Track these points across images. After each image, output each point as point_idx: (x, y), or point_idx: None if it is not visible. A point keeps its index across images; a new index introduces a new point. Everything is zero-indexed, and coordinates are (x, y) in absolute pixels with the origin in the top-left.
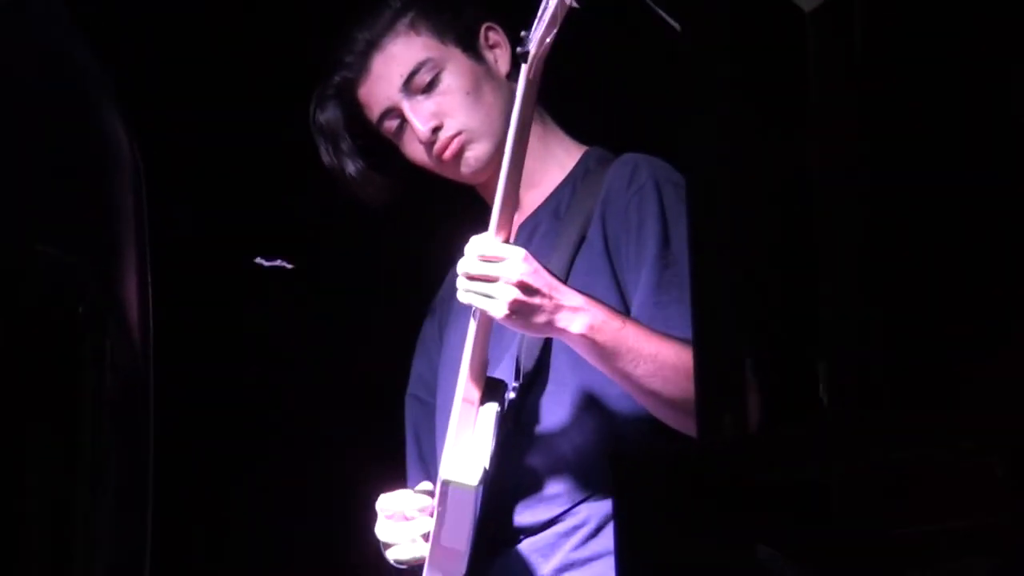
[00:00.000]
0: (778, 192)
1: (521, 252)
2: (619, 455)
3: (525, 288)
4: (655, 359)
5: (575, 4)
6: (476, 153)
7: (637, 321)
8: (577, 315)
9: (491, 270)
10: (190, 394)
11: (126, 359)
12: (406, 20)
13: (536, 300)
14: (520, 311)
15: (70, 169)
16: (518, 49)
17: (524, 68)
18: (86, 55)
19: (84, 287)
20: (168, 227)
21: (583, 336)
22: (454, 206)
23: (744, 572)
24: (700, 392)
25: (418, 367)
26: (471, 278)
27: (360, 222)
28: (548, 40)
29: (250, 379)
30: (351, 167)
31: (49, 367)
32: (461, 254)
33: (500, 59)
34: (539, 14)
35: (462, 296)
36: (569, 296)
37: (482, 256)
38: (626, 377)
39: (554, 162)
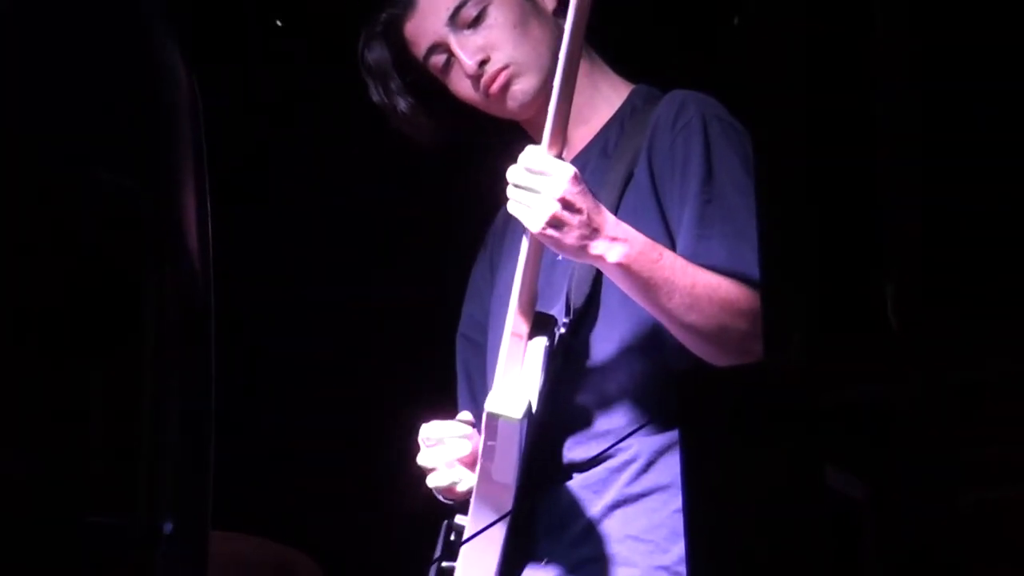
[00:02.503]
0: (843, 114)
1: (570, 170)
2: (684, 374)
3: (567, 205)
4: (691, 292)
5: None
6: (523, 86)
7: (675, 255)
8: (615, 245)
9: (536, 182)
10: (248, 323)
11: (186, 285)
12: None
13: (575, 219)
14: (556, 227)
15: (129, 96)
16: None
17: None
18: None
19: (142, 212)
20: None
21: (618, 265)
22: (505, 144)
23: (812, 494)
24: (767, 311)
25: (469, 307)
26: (517, 187)
27: (409, 160)
28: None
29: (305, 314)
30: (402, 104)
31: (109, 292)
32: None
33: None
34: None
35: (509, 206)
36: (610, 224)
37: (529, 168)
38: (661, 309)
39: (601, 99)
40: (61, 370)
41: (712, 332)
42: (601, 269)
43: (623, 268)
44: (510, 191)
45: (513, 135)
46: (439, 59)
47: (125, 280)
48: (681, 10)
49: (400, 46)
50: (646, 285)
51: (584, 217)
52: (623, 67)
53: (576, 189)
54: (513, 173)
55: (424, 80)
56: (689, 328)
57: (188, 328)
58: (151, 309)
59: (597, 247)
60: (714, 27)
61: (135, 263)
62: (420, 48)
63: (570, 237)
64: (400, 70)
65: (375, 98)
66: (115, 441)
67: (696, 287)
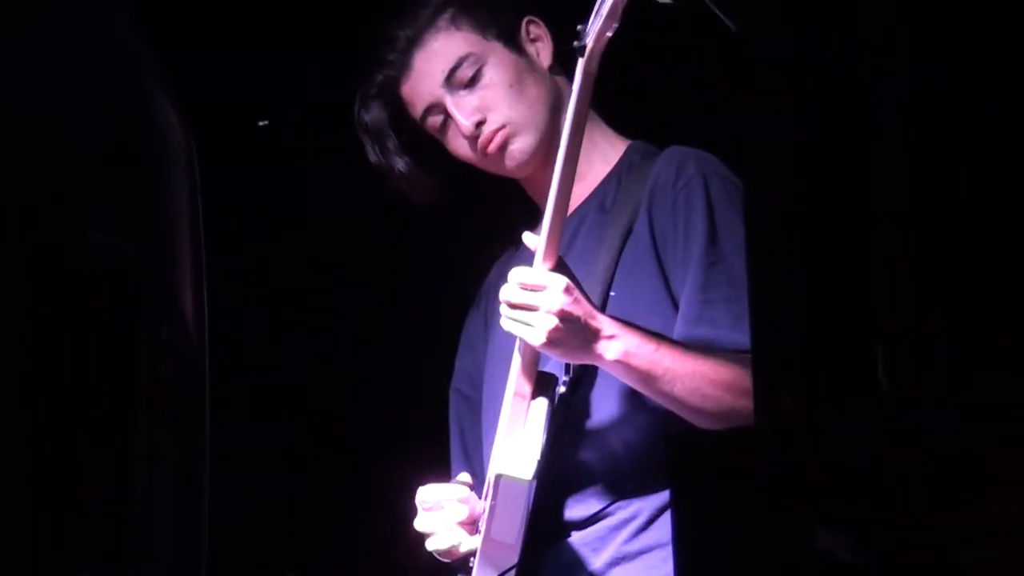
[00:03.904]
0: (833, 175)
1: (563, 282)
2: (674, 436)
3: (564, 317)
4: (692, 377)
5: None
6: (520, 146)
7: (673, 342)
8: (612, 342)
9: (532, 299)
10: (241, 383)
11: (181, 348)
12: (447, 16)
13: (574, 329)
14: (558, 340)
15: (125, 157)
16: (575, 43)
17: (581, 63)
18: (140, 43)
19: (138, 275)
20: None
21: (617, 361)
22: (500, 200)
23: (803, 555)
24: (757, 373)
25: (462, 362)
26: (512, 306)
27: (404, 214)
28: (608, 34)
29: (295, 373)
30: (399, 164)
31: (104, 356)
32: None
33: (542, 52)
34: (596, 8)
35: (504, 323)
36: (605, 324)
37: (523, 284)
38: (665, 397)
39: (599, 155)
40: (54, 433)
41: (718, 414)
42: (600, 366)
43: (622, 363)
44: (505, 309)
45: (506, 189)
46: (436, 119)
47: (120, 341)
48: (675, 68)
49: (397, 106)
50: (647, 376)
51: (581, 324)
52: (618, 121)
53: (571, 299)
54: (508, 292)
55: (421, 139)
56: (695, 410)
57: (182, 390)
58: (146, 370)
59: (597, 348)
60: (707, 84)
61: (130, 324)
62: (417, 109)
63: (571, 345)
64: (397, 130)
65: (372, 158)
66: (108, 504)
67: (697, 372)
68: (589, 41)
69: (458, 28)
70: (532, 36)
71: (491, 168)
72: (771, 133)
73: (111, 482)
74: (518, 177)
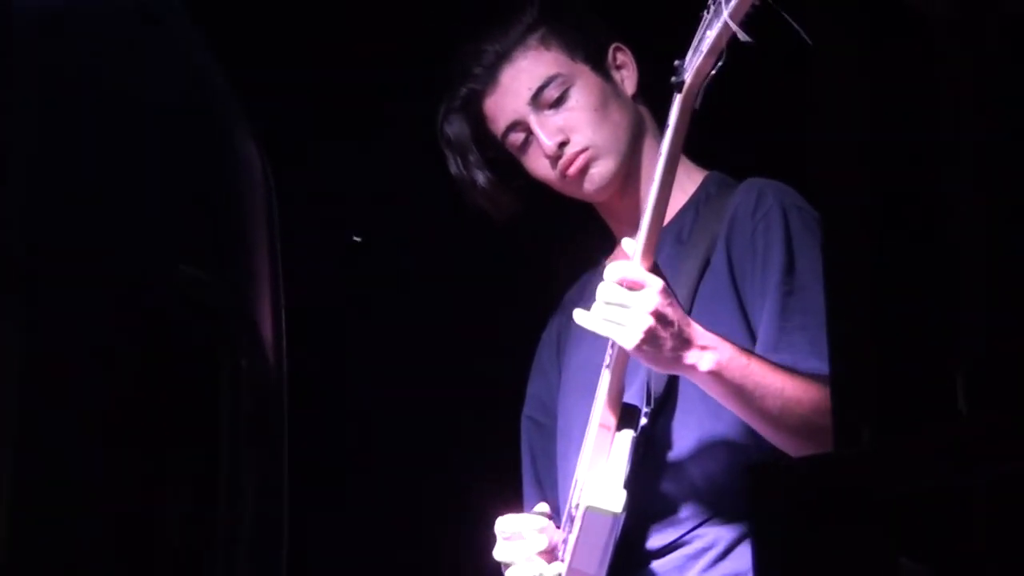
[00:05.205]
0: (910, 203)
1: (660, 283)
2: (754, 466)
3: (660, 318)
4: (780, 395)
5: (742, 37)
6: (601, 170)
7: (762, 357)
8: (706, 352)
9: (628, 298)
10: (317, 410)
11: (261, 377)
12: (537, 35)
13: (667, 333)
14: (651, 342)
15: (207, 191)
16: (672, 79)
17: (678, 98)
18: (220, 77)
19: (221, 306)
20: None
21: (711, 373)
22: (575, 226)
23: None
24: (836, 404)
25: (534, 388)
26: (607, 304)
27: (478, 237)
28: (711, 72)
29: (369, 398)
30: (481, 178)
31: (188, 387)
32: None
33: (627, 79)
34: (695, 44)
35: (595, 323)
36: (699, 333)
37: (623, 281)
38: (752, 413)
39: (676, 186)
40: (142, 464)
41: (802, 433)
42: (691, 378)
43: (714, 376)
44: (599, 307)
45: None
46: (518, 137)
47: (203, 371)
48: (751, 100)
49: (479, 121)
50: (738, 391)
51: (676, 329)
52: (697, 153)
53: (667, 301)
54: (604, 288)
55: (501, 156)
56: (780, 430)
57: (263, 420)
58: (228, 400)
59: (689, 357)
60: (784, 115)
61: (213, 354)
62: (499, 125)
63: (664, 351)
64: (479, 144)
65: (453, 171)
66: (191, 532)
67: (786, 390)
68: (688, 76)
69: (548, 48)
70: (618, 63)
71: (569, 190)
72: (847, 162)
73: (195, 512)
74: (595, 201)
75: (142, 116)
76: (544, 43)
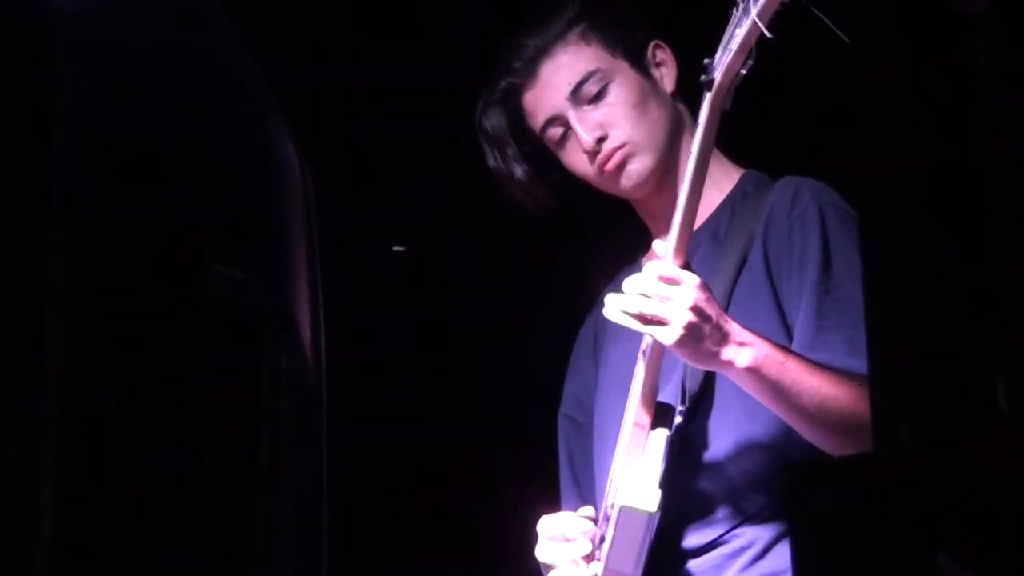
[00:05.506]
0: (949, 201)
1: (697, 279)
2: (792, 465)
3: (699, 314)
4: (817, 392)
5: (768, 35)
6: (638, 167)
7: (799, 355)
8: (743, 349)
9: (667, 292)
10: (356, 409)
11: (300, 376)
12: (578, 30)
13: (707, 328)
14: (691, 337)
15: (247, 194)
16: (702, 77)
17: (708, 96)
18: (258, 77)
19: (259, 306)
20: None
21: (748, 369)
22: (610, 223)
23: None
24: (875, 403)
25: (571, 387)
26: (645, 299)
27: (514, 236)
28: (742, 71)
29: (407, 398)
30: (519, 171)
31: (228, 388)
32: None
33: (666, 77)
34: (724, 42)
35: (631, 320)
36: (736, 329)
37: (661, 277)
38: (789, 410)
39: (712, 184)
40: (182, 457)
41: (839, 430)
42: (728, 375)
43: (752, 372)
44: (637, 302)
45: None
46: (556, 131)
47: (242, 372)
48: (788, 97)
49: (517, 115)
50: (775, 388)
51: (714, 324)
52: (733, 151)
53: (705, 296)
54: (641, 283)
55: (538, 150)
56: (817, 427)
57: (301, 417)
58: (267, 401)
59: (727, 353)
60: (820, 113)
61: (252, 355)
62: (537, 119)
63: (703, 346)
64: (516, 139)
65: (491, 163)
66: (230, 528)
67: (822, 387)
68: (717, 75)
69: (588, 43)
70: (658, 60)
71: (605, 186)
72: (885, 160)
73: (233, 509)
74: (631, 198)
75: (179, 116)
76: (584, 38)
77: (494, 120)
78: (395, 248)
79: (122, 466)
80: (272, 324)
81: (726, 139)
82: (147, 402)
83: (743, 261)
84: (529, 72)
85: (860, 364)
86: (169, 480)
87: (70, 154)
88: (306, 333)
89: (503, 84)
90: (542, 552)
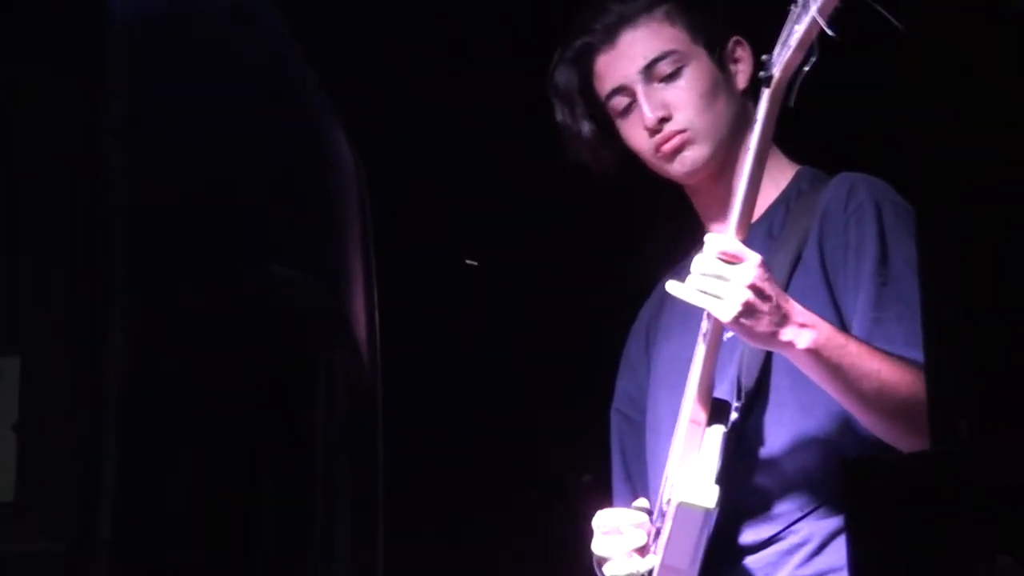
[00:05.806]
0: (1006, 197)
1: (758, 257)
2: (851, 461)
3: (758, 292)
4: (877, 377)
5: (828, 31)
6: (695, 154)
7: (857, 338)
8: (804, 330)
9: (726, 270)
10: (408, 406)
11: (355, 376)
12: (665, 7)
13: (766, 307)
14: (749, 315)
15: (301, 189)
16: (760, 73)
17: (767, 92)
18: (313, 77)
19: (314, 304)
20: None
21: (809, 351)
22: (665, 216)
23: None
24: (932, 399)
25: (623, 383)
26: (704, 275)
27: (568, 229)
28: (803, 67)
29: (460, 393)
30: (586, 129)
31: (285, 385)
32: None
33: (740, 74)
34: (783, 38)
35: (691, 294)
36: (797, 310)
37: (722, 253)
38: (848, 394)
39: (768, 180)
40: (242, 452)
41: (898, 416)
42: (788, 356)
43: (812, 354)
44: (696, 280)
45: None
46: (621, 101)
47: (299, 369)
48: (843, 94)
49: (587, 76)
50: (835, 371)
51: (774, 303)
52: (788, 147)
53: (765, 275)
54: (702, 260)
55: (600, 117)
56: (875, 412)
57: (357, 416)
58: (323, 397)
59: (787, 333)
60: (877, 109)
61: (308, 352)
62: (606, 85)
63: (761, 325)
64: (584, 98)
65: (559, 118)
66: (289, 531)
67: (882, 372)
68: (776, 71)
69: (672, 23)
70: (736, 56)
71: (658, 167)
72: (942, 157)
73: (290, 505)
74: (683, 183)
75: (236, 116)
76: (670, 17)
77: (565, 76)
78: (468, 262)
79: (182, 466)
80: (326, 321)
81: (781, 134)
82: (202, 400)
83: (798, 258)
84: (608, 37)
85: (920, 355)
86: (228, 479)
87: (133, 154)
88: (361, 333)
89: (579, 43)
90: (598, 545)
